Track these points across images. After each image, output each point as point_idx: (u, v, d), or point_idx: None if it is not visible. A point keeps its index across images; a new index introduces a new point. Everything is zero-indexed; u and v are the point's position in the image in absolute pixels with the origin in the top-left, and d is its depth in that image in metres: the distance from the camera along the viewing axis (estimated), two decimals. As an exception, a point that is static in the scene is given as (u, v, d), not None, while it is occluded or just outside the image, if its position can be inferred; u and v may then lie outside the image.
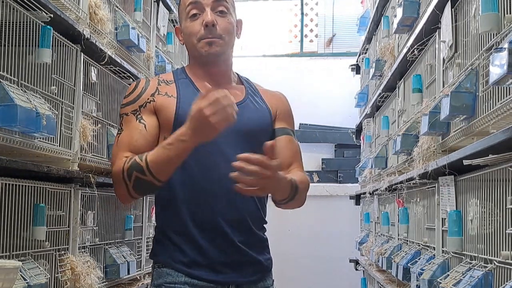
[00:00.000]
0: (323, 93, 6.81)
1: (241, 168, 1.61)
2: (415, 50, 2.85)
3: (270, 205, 1.96)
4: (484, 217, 1.89)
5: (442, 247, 2.37)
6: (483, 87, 1.87)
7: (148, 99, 1.88)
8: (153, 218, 3.35)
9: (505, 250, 1.70)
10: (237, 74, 2.05)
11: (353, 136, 5.81)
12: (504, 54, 1.49)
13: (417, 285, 2.43)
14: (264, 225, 1.97)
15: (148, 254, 3.47)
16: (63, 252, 2.25)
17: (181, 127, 1.71)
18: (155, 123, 1.87)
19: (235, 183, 1.64)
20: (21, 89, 1.88)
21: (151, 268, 1.95)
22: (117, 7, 2.81)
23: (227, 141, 1.83)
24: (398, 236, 3.33)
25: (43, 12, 2.00)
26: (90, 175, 2.39)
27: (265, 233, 1.98)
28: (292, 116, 2.05)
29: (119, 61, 2.73)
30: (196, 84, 1.93)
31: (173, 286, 1.84)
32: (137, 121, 1.86)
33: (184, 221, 1.85)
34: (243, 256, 1.88)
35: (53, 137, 2.10)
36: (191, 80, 1.94)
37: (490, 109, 1.79)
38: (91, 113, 2.51)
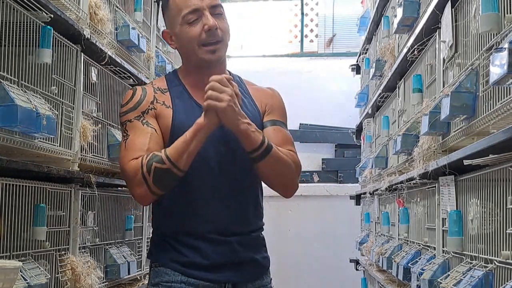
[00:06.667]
0: (323, 93, 6.81)
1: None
2: (415, 50, 2.84)
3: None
4: (484, 217, 1.89)
5: (443, 247, 2.37)
6: (483, 87, 1.87)
7: (149, 106, 1.89)
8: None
9: (506, 250, 1.70)
10: (229, 72, 2.04)
11: (353, 136, 5.80)
12: (504, 54, 1.49)
13: (417, 285, 2.43)
14: (261, 226, 1.98)
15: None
16: (63, 252, 2.25)
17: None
18: (159, 127, 1.89)
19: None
20: (22, 89, 1.88)
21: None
22: (117, 7, 2.81)
23: (219, 143, 1.86)
24: (399, 236, 3.33)
25: (43, 12, 2.00)
26: (90, 175, 2.39)
27: (262, 233, 1.99)
28: (284, 110, 2.02)
29: (119, 61, 2.73)
30: (190, 93, 1.93)
31: (170, 285, 1.84)
32: (144, 125, 1.86)
33: (181, 226, 1.87)
34: (241, 256, 1.89)
35: (53, 137, 2.10)
36: (185, 88, 1.94)
37: (490, 109, 1.78)
38: (91, 113, 2.51)
